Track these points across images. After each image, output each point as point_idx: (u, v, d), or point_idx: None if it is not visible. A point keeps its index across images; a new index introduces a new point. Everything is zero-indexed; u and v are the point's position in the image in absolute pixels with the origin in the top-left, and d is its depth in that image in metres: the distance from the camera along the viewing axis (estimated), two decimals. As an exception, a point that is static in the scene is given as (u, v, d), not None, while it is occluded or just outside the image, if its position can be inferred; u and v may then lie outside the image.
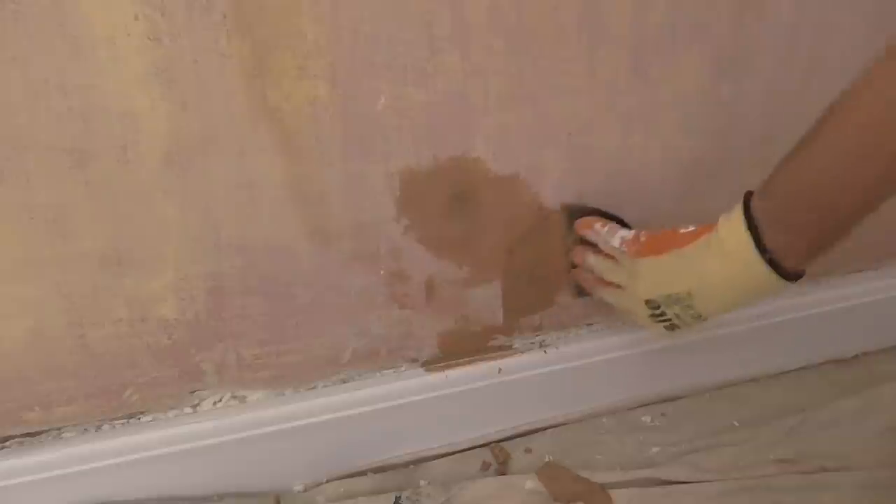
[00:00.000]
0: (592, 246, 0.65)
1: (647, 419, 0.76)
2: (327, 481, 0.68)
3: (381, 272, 0.63)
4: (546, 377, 0.72)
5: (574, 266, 0.68)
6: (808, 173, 0.51)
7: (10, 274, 0.52)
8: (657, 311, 0.59)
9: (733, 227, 0.53)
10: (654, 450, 0.72)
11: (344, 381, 0.67)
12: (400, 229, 0.61)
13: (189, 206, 0.54)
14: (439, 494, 0.67)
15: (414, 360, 0.69)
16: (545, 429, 0.75)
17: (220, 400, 0.64)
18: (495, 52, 0.56)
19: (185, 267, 0.56)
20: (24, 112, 0.47)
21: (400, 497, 0.66)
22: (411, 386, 0.68)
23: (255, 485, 0.66)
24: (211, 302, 0.59)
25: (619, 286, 0.62)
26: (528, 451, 0.72)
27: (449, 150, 0.59)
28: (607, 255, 0.63)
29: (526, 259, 0.67)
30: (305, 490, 0.68)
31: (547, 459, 0.71)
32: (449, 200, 0.62)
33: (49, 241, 0.52)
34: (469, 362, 0.70)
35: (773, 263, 0.51)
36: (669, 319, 0.59)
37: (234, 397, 0.64)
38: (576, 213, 0.66)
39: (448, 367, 0.69)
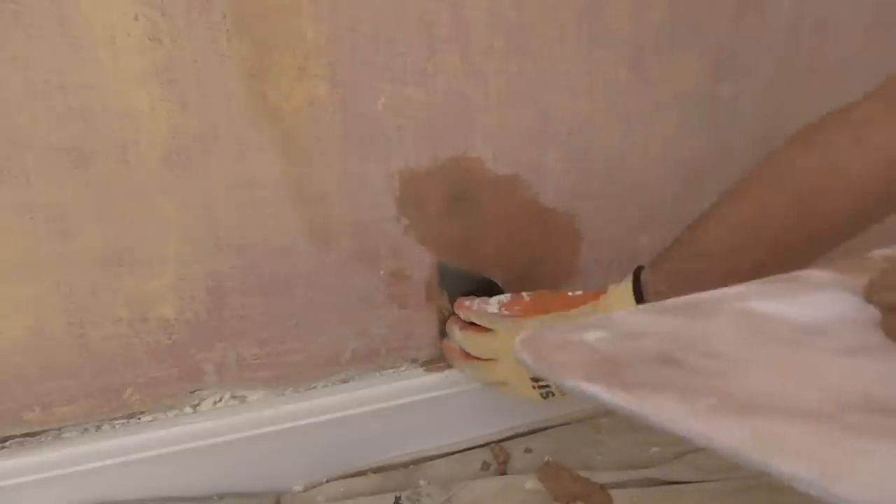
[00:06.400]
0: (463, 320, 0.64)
1: (647, 419, 0.76)
2: (327, 481, 0.68)
3: (381, 272, 0.63)
4: (546, 377, 0.72)
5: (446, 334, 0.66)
6: (693, 254, 0.53)
7: (10, 273, 0.52)
8: None
9: (621, 295, 0.54)
10: (654, 450, 0.72)
11: (344, 381, 0.67)
12: (400, 229, 0.61)
13: (189, 206, 0.54)
14: (439, 494, 0.66)
15: (414, 360, 0.69)
16: (545, 429, 0.75)
17: (220, 400, 0.64)
18: (495, 52, 0.56)
19: (185, 267, 0.57)
20: (24, 112, 0.47)
21: (400, 497, 0.66)
22: (411, 386, 0.68)
23: (255, 485, 0.66)
24: (211, 302, 0.59)
25: (486, 359, 0.61)
26: (528, 451, 0.72)
27: (449, 149, 0.59)
28: (478, 329, 0.61)
29: (525, 259, 0.67)
30: (305, 490, 0.68)
31: (547, 459, 0.71)
32: (449, 200, 0.62)
33: (49, 240, 0.52)
34: (469, 362, 0.70)
35: None
36: (548, 386, 0.58)
37: (234, 397, 0.64)
38: (447, 273, 0.64)
39: (448, 367, 0.69)
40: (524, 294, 0.59)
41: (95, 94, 0.48)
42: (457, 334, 0.63)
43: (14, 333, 0.55)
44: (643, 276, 0.54)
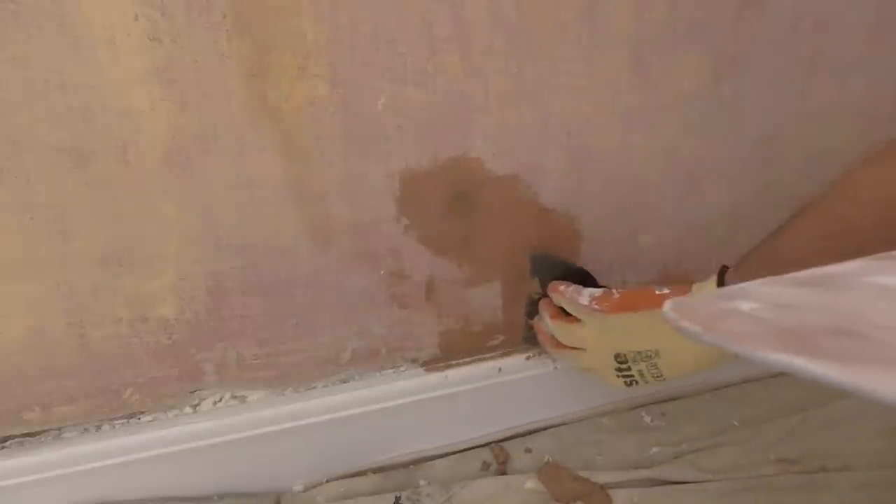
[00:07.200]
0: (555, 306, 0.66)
1: (647, 419, 0.76)
2: (327, 481, 0.68)
3: (381, 272, 0.63)
4: (546, 377, 0.72)
5: (537, 314, 0.69)
6: (775, 261, 0.54)
7: (10, 273, 0.52)
8: (624, 366, 0.60)
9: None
10: (654, 450, 0.72)
11: (344, 381, 0.67)
12: (400, 229, 0.61)
13: (189, 206, 0.54)
14: (439, 494, 0.67)
15: (414, 360, 0.69)
16: (545, 429, 0.75)
17: (220, 400, 0.64)
18: (495, 52, 0.56)
19: (185, 267, 0.57)
20: (24, 112, 0.47)
21: (400, 497, 0.66)
22: (411, 386, 0.68)
23: (255, 485, 0.67)
24: (211, 302, 0.59)
25: (576, 348, 0.64)
26: (528, 451, 0.72)
27: (449, 149, 0.59)
28: (568, 319, 0.64)
29: (526, 259, 0.67)
30: (305, 490, 0.68)
31: (547, 459, 0.71)
32: (449, 200, 0.62)
33: (49, 240, 0.52)
34: (469, 362, 0.70)
35: None
36: (632, 376, 0.61)
37: (234, 397, 0.64)
38: (540, 262, 0.67)
39: (448, 367, 0.69)
40: (614, 290, 0.61)
41: (95, 94, 0.48)
42: (548, 321, 0.66)
43: (14, 333, 0.55)
44: (727, 275, 0.56)
